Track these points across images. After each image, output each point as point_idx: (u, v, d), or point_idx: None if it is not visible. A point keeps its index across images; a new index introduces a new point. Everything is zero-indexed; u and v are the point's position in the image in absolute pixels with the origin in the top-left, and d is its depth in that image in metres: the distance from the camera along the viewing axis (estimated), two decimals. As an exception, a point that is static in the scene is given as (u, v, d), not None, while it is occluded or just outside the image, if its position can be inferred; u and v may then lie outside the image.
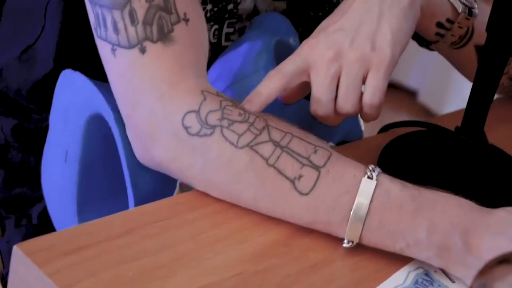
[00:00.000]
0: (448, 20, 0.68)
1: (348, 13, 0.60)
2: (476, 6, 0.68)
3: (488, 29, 0.61)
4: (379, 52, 0.59)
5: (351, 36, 0.59)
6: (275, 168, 0.53)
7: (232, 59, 0.66)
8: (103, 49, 0.58)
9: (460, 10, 0.67)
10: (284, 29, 0.69)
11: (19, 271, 0.50)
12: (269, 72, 0.60)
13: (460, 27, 0.69)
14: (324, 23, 0.62)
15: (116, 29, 0.56)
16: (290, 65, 0.60)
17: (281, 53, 0.64)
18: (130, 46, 0.56)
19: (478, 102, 0.64)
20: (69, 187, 0.65)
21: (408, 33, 0.62)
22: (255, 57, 0.65)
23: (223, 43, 0.73)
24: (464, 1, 0.67)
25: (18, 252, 0.49)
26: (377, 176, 0.53)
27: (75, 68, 0.64)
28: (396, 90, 2.37)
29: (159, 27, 0.56)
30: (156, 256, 0.51)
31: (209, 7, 0.69)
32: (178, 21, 0.56)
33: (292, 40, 0.69)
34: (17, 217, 0.78)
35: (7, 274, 0.71)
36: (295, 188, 0.53)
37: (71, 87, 0.64)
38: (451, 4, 0.67)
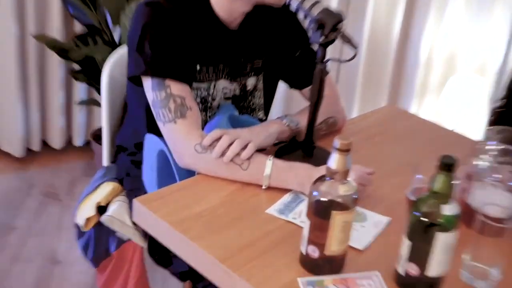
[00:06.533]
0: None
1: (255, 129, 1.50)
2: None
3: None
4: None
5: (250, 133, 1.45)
6: (233, 161, 1.37)
7: (213, 123, 1.51)
8: (159, 124, 1.44)
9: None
10: (232, 108, 1.61)
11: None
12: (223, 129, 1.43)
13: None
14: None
15: (163, 116, 1.42)
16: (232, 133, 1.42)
17: (232, 120, 1.53)
18: (170, 121, 1.42)
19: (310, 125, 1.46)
20: (153, 178, 1.53)
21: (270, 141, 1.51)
22: (221, 123, 1.49)
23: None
24: (293, 127, 1.56)
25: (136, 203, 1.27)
26: (272, 159, 1.37)
27: (152, 132, 1.53)
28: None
29: (181, 113, 1.41)
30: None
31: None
32: (187, 109, 1.42)
33: (236, 114, 1.58)
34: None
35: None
36: (241, 168, 1.37)
37: (150, 140, 1.54)
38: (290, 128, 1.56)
